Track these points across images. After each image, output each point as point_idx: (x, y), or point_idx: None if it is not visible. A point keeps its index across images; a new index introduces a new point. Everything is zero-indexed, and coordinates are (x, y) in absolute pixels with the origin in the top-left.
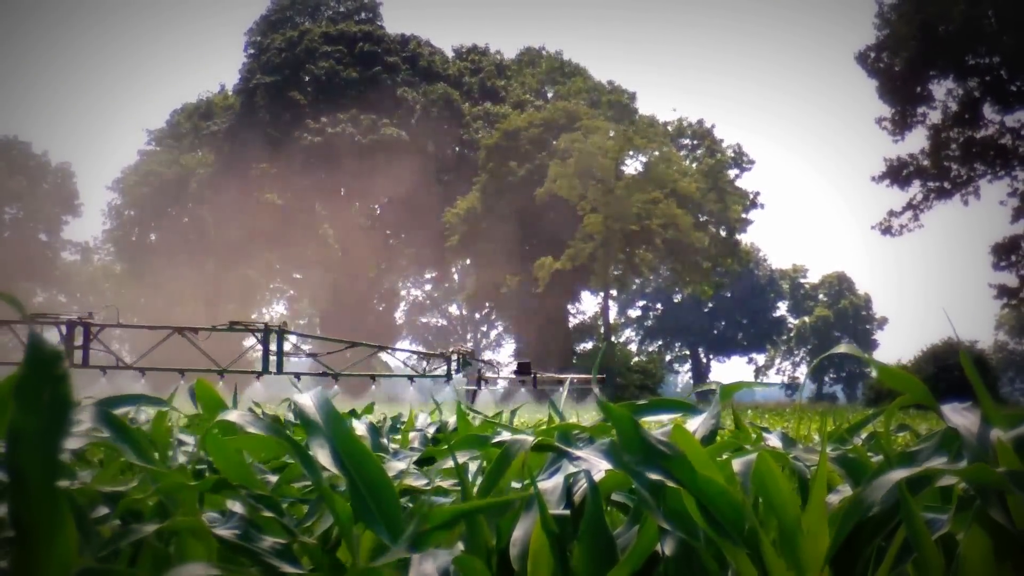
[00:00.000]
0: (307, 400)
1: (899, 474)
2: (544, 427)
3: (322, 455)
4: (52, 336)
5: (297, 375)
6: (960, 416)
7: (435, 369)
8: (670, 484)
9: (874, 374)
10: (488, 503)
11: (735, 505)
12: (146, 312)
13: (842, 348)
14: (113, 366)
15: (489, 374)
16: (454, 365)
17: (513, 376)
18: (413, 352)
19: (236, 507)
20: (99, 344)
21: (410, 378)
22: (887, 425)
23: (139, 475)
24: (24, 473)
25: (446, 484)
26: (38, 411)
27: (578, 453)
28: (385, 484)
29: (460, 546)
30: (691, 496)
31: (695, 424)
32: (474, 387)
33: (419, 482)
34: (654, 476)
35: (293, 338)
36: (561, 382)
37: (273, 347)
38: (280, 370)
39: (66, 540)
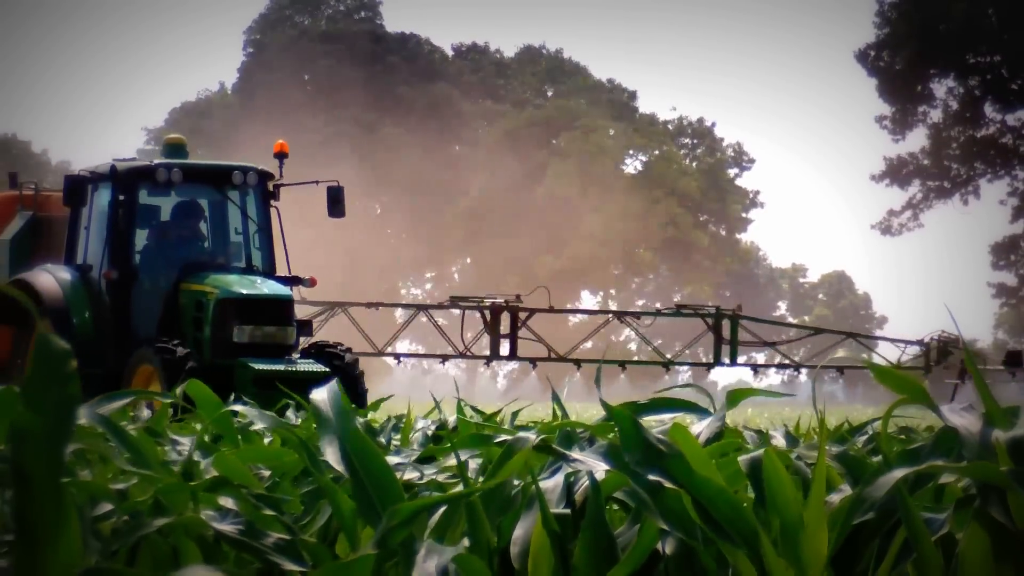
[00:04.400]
0: (321, 396)
1: (899, 473)
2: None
3: (331, 452)
4: (475, 322)
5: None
6: (958, 416)
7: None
8: (668, 485)
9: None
10: (457, 495)
11: (734, 504)
12: None
13: (841, 354)
14: (545, 357)
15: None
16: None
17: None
18: (897, 341)
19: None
20: (528, 331)
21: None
22: (884, 425)
23: (138, 473)
24: (29, 472)
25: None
26: (45, 411)
27: (576, 455)
28: (390, 481)
29: (465, 543)
30: (688, 496)
31: (702, 425)
32: (956, 381)
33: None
34: (652, 476)
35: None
36: None
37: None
38: (734, 361)
39: (70, 539)
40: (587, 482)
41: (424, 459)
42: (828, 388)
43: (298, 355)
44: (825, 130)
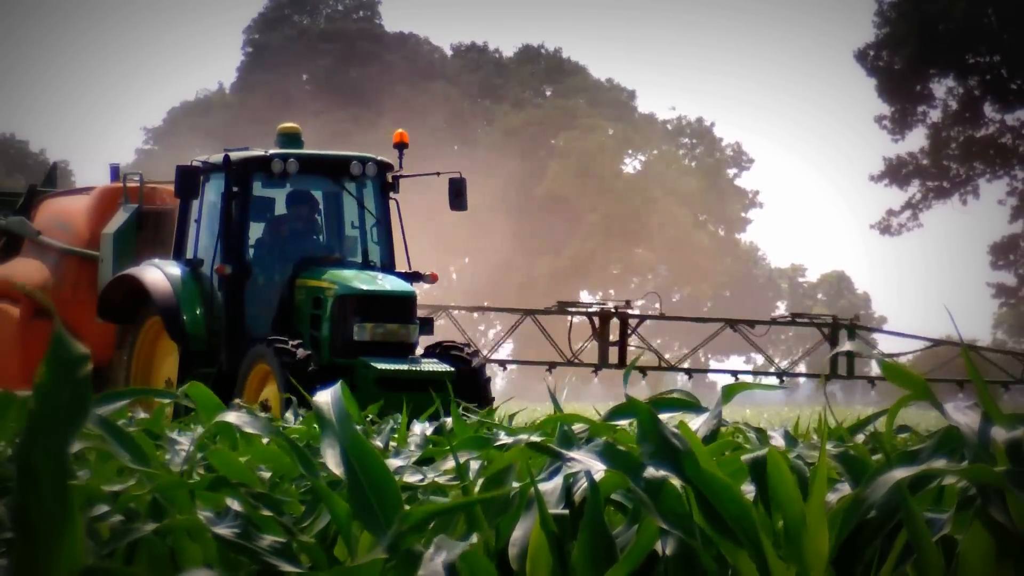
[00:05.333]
0: (324, 399)
1: (900, 473)
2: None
3: (330, 455)
4: (584, 329)
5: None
6: (962, 415)
7: None
8: (672, 481)
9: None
10: (464, 501)
11: (739, 502)
12: None
13: (848, 346)
14: (655, 366)
15: None
16: None
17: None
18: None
19: (234, 505)
20: (637, 339)
21: None
22: (889, 424)
23: (136, 473)
24: (36, 471)
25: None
26: (56, 411)
27: (573, 455)
28: (389, 485)
29: (474, 539)
30: (693, 493)
31: (698, 422)
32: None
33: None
34: (662, 471)
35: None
36: None
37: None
38: (851, 374)
39: (75, 539)
40: (585, 482)
41: (424, 460)
42: (828, 388)
43: (420, 354)
44: (825, 130)
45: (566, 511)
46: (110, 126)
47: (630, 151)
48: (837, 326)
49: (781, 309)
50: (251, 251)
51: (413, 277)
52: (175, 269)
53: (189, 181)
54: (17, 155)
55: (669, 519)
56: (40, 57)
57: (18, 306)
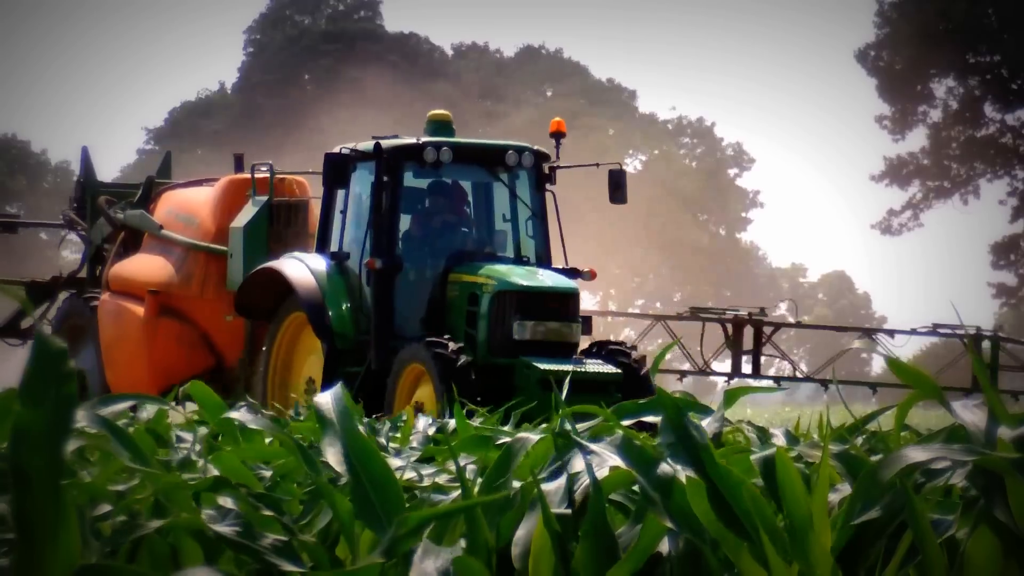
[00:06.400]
0: (325, 398)
1: (913, 454)
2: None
3: (332, 453)
4: (717, 334)
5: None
6: (969, 412)
7: None
8: (679, 480)
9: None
10: (463, 505)
11: (756, 499)
12: None
13: (857, 344)
14: (790, 376)
15: None
16: None
17: None
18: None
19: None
20: (772, 348)
21: None
22: (898, 422)
23: (139, 472)
24: (28, 471)
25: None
26: (43, 409)
27: (592, 447)
28: (391, 484)
29: (462, 543)
30: (703, 491)
31: (703, 424)
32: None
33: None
34: (677, 466)
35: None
36: None
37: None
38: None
39: (69, 537)
40: (587, 481)
41: (424, 458)
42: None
43: (582, 354)
44: (825, 130)
45: (568, 510)
46: (111, 126)
47: (631, 151)
48: (980, 337)
49: (782, 309)
50: (400, 244)
51: (571, 273)
52: (319, 263)
53: (338, 170)
54: (18, 155)
55: (677, 518)
56: (40, 57)
57: (142, 305)
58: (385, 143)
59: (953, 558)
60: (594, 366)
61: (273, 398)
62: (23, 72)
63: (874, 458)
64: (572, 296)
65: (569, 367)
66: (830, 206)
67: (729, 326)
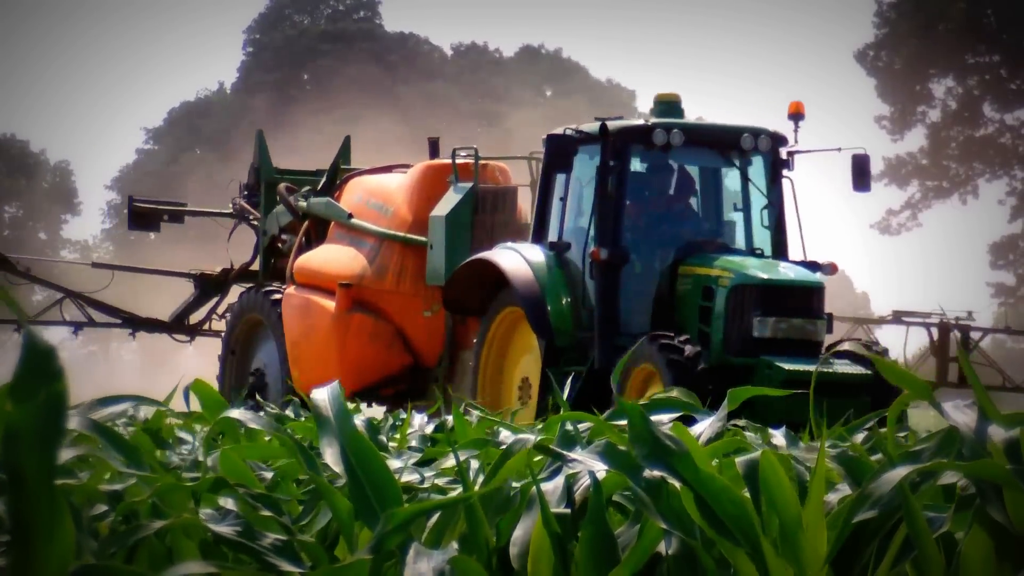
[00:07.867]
0: (321, 396)
1: (903, 471)
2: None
3: (330, 453)
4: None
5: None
6: (961, 414)
7: None
8: (671, 482)
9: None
10: (453, 499)
11: (737, 503)
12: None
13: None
14: (998, 386)
15: None
16: None
17: None
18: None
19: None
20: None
21: None
22: (891, 422)
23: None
24: (22, 471)
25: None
26: (34, 409)
27: (574, 456)
28: (389, 484)
29: (454, 546)
30: (691, 494)
31: (704, 426)
32: None
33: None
34: (657, 472)
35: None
36: None
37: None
38: None
39: (64, 538)
40: (587, 481)
41: (425, 460)
42: None
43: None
44: (825, 130)
45: (568, 510)
46: (110, 126)
47: None
48: (946, 328)
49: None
50: (626, 234)
51: (811, 267)
52: (536, 253)
53: (561, 152)
54: (17, 155)
55: (669, 519)
56: (40, 57)
57: (332, 299)
58: (611, 124)
59: (951, 557)
60: (843, 367)
61: (484, 400)
62: (22, 72)
63: (874, 458)
64: (817, 290)
65: (816, 367)
66: (829, 206)
67: (934, 330)
